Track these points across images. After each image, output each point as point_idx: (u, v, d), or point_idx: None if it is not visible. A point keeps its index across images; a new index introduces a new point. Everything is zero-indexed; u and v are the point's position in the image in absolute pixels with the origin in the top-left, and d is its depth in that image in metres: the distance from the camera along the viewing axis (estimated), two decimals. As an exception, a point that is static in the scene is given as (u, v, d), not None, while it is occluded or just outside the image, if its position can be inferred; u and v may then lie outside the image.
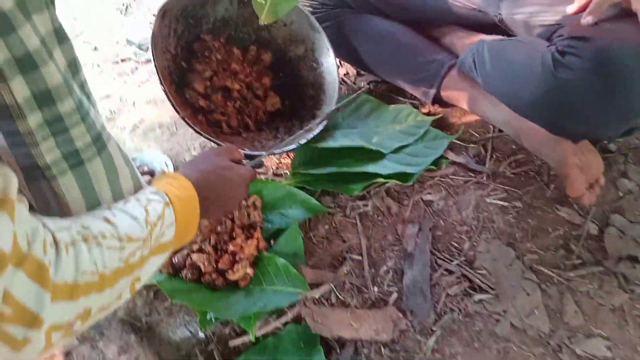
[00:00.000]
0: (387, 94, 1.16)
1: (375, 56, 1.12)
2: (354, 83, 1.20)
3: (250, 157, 0.88)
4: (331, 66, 1.07)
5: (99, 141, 0.55)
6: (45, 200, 0.53)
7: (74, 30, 1.40)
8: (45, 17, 0.48)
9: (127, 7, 1.46)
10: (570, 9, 0.84)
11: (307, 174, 0.99)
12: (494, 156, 1.00)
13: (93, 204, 0.55)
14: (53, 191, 0.52)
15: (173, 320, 0.83)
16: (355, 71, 1.21)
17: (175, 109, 0.88)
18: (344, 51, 1.14)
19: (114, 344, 0.79)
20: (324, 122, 1.01)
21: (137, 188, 0.62)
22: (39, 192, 0.52)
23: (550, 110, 0.83)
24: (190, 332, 0.82)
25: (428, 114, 1.09)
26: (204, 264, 0.84)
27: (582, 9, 0.81)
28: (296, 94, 1.11)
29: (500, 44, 0.96)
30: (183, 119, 0.88)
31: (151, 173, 1.01)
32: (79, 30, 1.40)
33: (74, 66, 0.52)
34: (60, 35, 0.50)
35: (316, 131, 0.98)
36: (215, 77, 1.04)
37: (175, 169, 1.03)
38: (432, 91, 1.07)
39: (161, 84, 0.87)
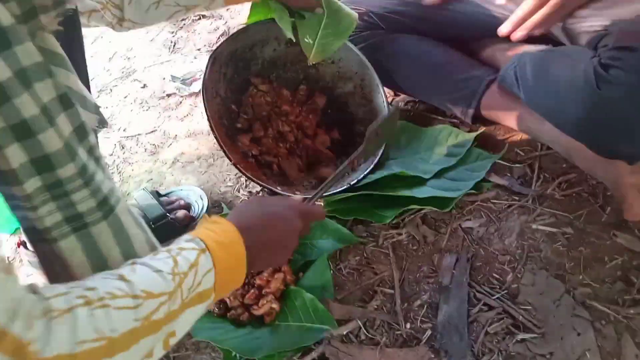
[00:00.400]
0: (425, 114, 1.10)
1: (410, 77, 1.08)
2: (391, 105, 1.16)
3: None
4: (381, 103, 1.04)
5: (106, 205, 0.55)
6: (50, 263, 0.54)
7: (126, 70, 1.48)
8: (47, 85, 0.49)
9: (174, 44, 1.52)
10: None
11: (338, 201, 0.95)
12: (542, 177, 0.92)
13: (101, 267, 0.55)
14: (55, 254, 0.53)
15: (200, 357, 0.83)
16: (392, 93, 1.17)
17: (227, 156, 0.89)
18: (379, 74, 1.11)
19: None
20: (374, 160, 0.97)
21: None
22: (42, 254, 0.53)
23: (595, 131, 0.74)
24: (216, 370, 0.81)
25: (469, 131, 1.02)
26: (230, 299, 0.84)
27: None
28: (345, 131, 1.09)
29: (544, 56, 0.89)
30: (235, 165, 0.89)
31: (187, 207, 1.03)
32: (131, 69, 1.48)
33: (81, 131, 0.53)
34: (65, 102, 0.51)
35: (368, 169, 0.96)
36: (267, 121, 1.05)
37: (210, 203, 1.04)
38: (472, 110, 1.01)
39: (212, 130, 0.89)
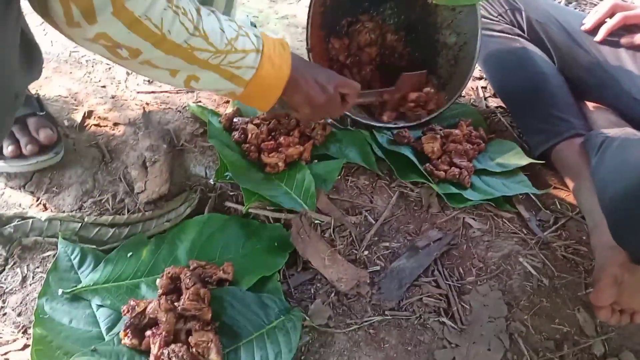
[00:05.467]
0: (504, 126, 1.12)
1: (514, 85, 1.09)
2: (485, 99, 1.18)
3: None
4: (466, 73, 1.06)
5: None
6: None
7: None
8: None
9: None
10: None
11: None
12: (559, 232, 0.93)
13: None
14: None
15: (201, 158, 0.92)
16: (492, 90, 1.19)
17: (307, 39, 0.95)
18: (491, 65, 1.13)
19: (150, 140, 0.90)
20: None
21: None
22: None
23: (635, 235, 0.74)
24: (206, 173, 0.90)
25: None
26: (252, 134, 0.92)
27: None
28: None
29: (635, 141, 0.89)
30: (308, 52, 0.95)
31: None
32: None
33: None
34: None
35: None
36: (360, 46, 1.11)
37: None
38: (545, 147, 1.02)
39: (309, 10, 0.94)
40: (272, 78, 0.71)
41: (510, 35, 1.12)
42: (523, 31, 1.12)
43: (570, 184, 0.99)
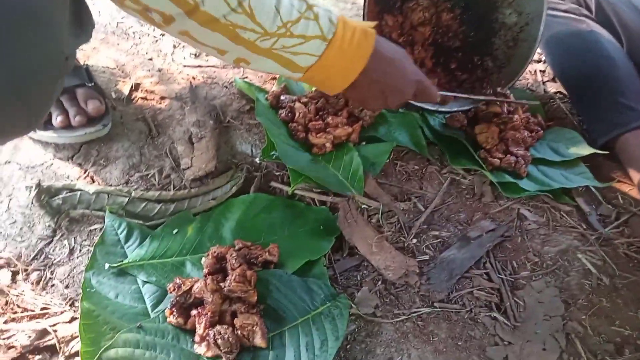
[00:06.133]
0: (564, 113, 1.06)
1: (578, 69, 1.02)
2: (544, 83, 1.12)
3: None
4: (526, 57, 0.99)
5: None
6: None
7: None
8: None
9: None
10: None
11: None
12: (621, 229, 0.88)
13: None
14: None
15: (247, 135, 0.90)
16: (550, 74, 1.12)
17: (363, 13, 0.90)
18: (553, 47, 1.06)
19: (196, 115, 0.88)
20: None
21: None
22: None
23: None
24: (252, 152, 0.88)
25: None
26: (299, 113, 0.89)
27: None
28: (470, 57, 1.07)
29: None
30: None
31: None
32: None
33: None
34: None
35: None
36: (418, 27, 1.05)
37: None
38: (609, 137, 0.96)
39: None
40: (339, 68, 0.64)
41: (575, 16, 1.04)
42: (590, 12, 1.05)
43: (635, 178, 0.92)
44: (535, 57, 1.20)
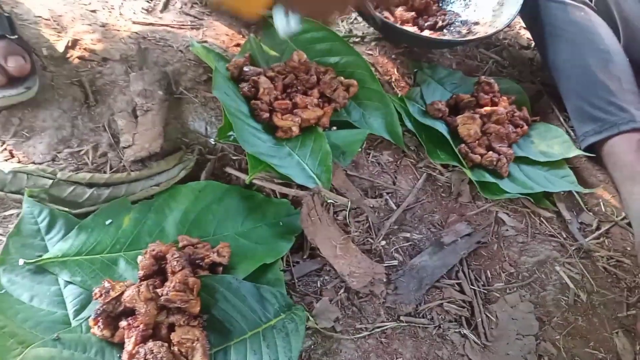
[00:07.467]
0: (550, 107, 0.98)
1: (571, 61, 0.94)
2: (531, 73, 1.03)
3: None
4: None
5: None
6: None
7: None
8: None
9: None
10: None
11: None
12: (602, 240, 0.82)
13: None
14: None
15: (202, 111, 0.78)
16: (539, 64, 1.04)
17: None
18: (546, 34, 0.97)
19: (143, 83, 0.76)
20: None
21: None
22: None
23: None
24: (206, 131, 0.76)
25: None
26: (264, 89, 0.77)
27: None
28: None
29: None
30: None
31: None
32: None
33: None
34: None
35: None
36: None
37: None
38: (596, 138, 0.89)
39: None
40: None
41: (574, 3, 0.95)
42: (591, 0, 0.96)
43: (620, 186, 0.86)
44: (525, 43, 1.11)
